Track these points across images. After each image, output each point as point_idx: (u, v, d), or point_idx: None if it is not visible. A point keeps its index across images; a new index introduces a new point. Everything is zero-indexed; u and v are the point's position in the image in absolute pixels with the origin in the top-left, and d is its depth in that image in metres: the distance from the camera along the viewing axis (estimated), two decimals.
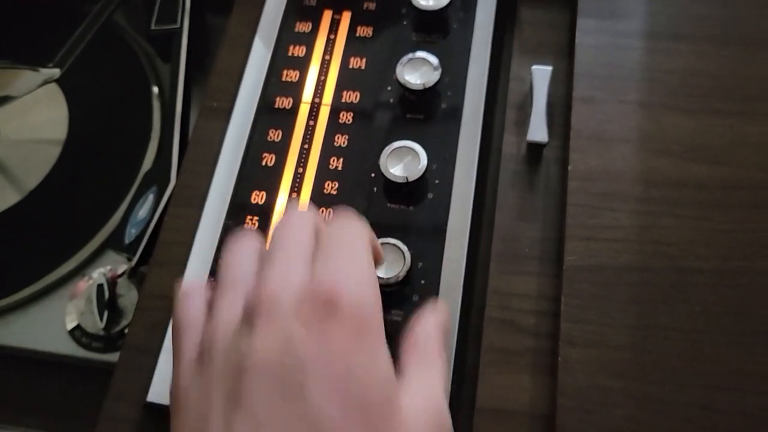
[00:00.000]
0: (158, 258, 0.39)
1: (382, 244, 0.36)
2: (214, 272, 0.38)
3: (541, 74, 0.38)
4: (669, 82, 0.36)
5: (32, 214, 0.51)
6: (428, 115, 0.41)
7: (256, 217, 0.39)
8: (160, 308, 0.37)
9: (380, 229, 0.37)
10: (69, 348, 0.46)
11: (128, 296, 0.47)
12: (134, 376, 0.36)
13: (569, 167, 0.34)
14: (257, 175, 0.41)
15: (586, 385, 0.30)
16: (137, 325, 0.37)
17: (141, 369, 0.36)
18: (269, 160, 0.41)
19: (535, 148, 0.37)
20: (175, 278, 0.38)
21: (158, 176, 0.47)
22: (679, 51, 0.37)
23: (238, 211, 0.39)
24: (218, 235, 0.39)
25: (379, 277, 0.35)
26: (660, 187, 0.34)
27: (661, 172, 0.34)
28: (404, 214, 0.39)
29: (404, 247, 0.36)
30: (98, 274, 0.47)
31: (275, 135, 0.42)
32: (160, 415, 0.35)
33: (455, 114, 0.41)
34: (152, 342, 0.36)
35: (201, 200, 0.40)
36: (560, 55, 0.40)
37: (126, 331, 0.46)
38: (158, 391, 0.35)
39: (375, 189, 0.40)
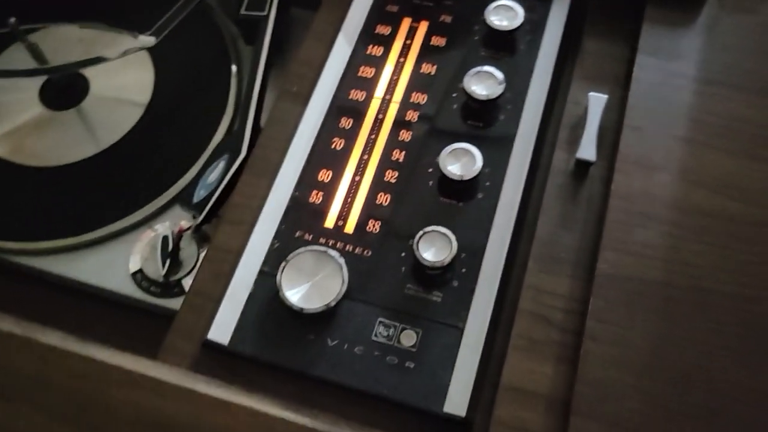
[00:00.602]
0: (228, 217, 0.44)
1: (432, 231, 0.40)
2: (278, 235, 0.42)
3: (597, 101, 0.41)
4: (714, 124, 0.40)
5: (110, 166, 0.56)
6: (487, 124, 0.45)
7: (321, 192, 0.44)
8: (225, 260, 0.42)
9: (430, 219, 0.42)
10: (129, 289, 0.50)
11: (188, 251, 0.51)
12: (196, 316, 0.40)
13: (612, 186, 0.38)
14: (326, 156, 0.45)
15: (603, 377, 0.33)
16: (204, 273, 0.42)
17: (203, 311, 0.40)
18: (338, 144, 0.45)
19: (583, 166, 0.41)
20: (241, 237, 0.42)
21: (230, 147, 0.51)
22: (728, 97, 0.41)
23: (306, 185, 0.44)
24: (285, 204, 0.43)
25: (426, 260, 0.39)
26: (693, 215, 0.37)
27: (695, 203, 0.38)
28: (454, 208, 0.43)
29: (452, 236, 0.40)
30: (165, 226, 0.52)
31: (346, 123, 0.46)
32: (215, 352, 0.39)
33: (512, 126, 0.45)
34: (216, 289, 0.41)
35: (273, 172, 0.45)
36: (616, 86, 0.44)
37: (182, 281, 0.51)
38: (217, 331, 0.39)
39: (430, 183, 0.44)
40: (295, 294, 0.39)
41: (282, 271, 0.39)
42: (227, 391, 0.34)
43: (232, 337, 0.39)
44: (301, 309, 0.38)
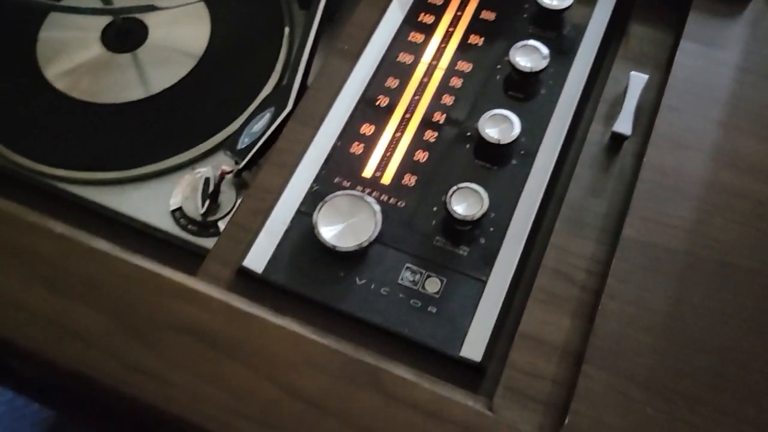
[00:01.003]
0: (271, 160, 0.46)
1: (465, 187, 0.42)
2: (317, 179, 0.44)
3: (638, 80, 0.43)
4: (750, 111, 0.41)
5: (158, 109, 0.58)
6: (528, 96, 0.47)
7: (361, 145, 0.46)
8: (265, 198, 0.44)
9: (464, 179, 0.44)
10: (168, 225, 0.53)
11: (227, 195, 0.54)
12: (234, 246, 0.43)
13: (644, 159, 0.40)
14: (370, 111, 0.47)
15: (618, 332, 0.35)
16: (244, 207, 0.44)
17: (241, 242, 0.43)
18: (383, 101, 0.48)
19: (617, 140, 0.42)
20: (282, 178, 0.45)
21: (277, 100, 0.54)
22: (765, 87, 0.42)
23: (348, 136, 0.46)
24: (327, 152, 0.46)
25: (458, 213, 0.41)
26: (721, 193, 0.39)
27: (724, 182, 0.39)
28: (488, 171, 0.45)
29: (485, 194, 0.42)
30: (207, 170, 0.55)
31: (392, 83, 0.48)
32: (249, 280, 0.41)
33: (552, 100, 0.47)
34: (254, 223, 0.43)
35: (318, 122, 0.47)
36: (656, 70, 0.45)
37: (218, 222, 0.53)
38: (253, 260, 0.41)
39: (468, 146, 0.46)
40: (329, 232, 0.41)
41: (319, 210, 0.41)
42: (260, 309, 0.37)
43: (266, 267, 0.41)
44: (334, 246, 0.40)
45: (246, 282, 0.41)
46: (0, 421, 0.95)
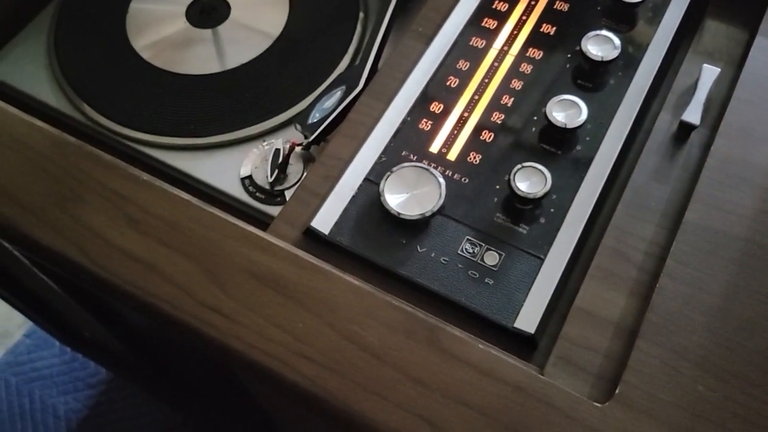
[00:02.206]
0: (343, 131, 0.49)
1: (530, 166, 0.44)
2: (386, 151, 0.47)
3: (709, 72, 0.44)
4: None
5: (234, 83, 0.62)
6: (597, 85, 0.49)
7: (430, 122, 0.48)
8: (335, 166, 0.47)
9: (529, 160, 0.45)
10: (236, 191, 0.56)
11: (295, 167, 0.57)
12: (302, 209, 0.45)
13: (712, 147, 0.41)
14: (440, 91, 0.49)
15: (674, 310, 0.36)
16: (314, 173, 0.47)
17: (308, 205, 0.45)
18: (453, 82, 0.50)
19: (685, 129, 0.43)
20: (352, 148, 0.47)
21: (349, 79, 0.56)
22: None
23: (417, 113, 0.48)
24: (397, 126, 0.48)
25: (521, 190, 0.43)
26: None
27: None
28: (552, 155, 0.46)
29: (548, 173, 0.43)
30: (278, 141, 0.58)
31: (463, 65, 0.50)
32: (315, 241, 0.44)
33: (620, 91, 0.48)
34: (323, 188, 0.46)
35: (389, 97, 0.49)
36: (729, 64, 0.46)
37: (285, 192, 0.56)
38: (320, 222, 0.44)
39: (533, 129, 0.47)
40: (394, 200, 0.43)
41: (386, 179, 0.44)
42: (326, 264, 0.39)
43: (332, 229, 0.44)
44: (399, 213, 0.43)
45: (311, 243, 0.44)
46: (56, 380, 1.01)
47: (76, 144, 0.43)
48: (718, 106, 0.44)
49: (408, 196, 0.44)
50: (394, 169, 0.45)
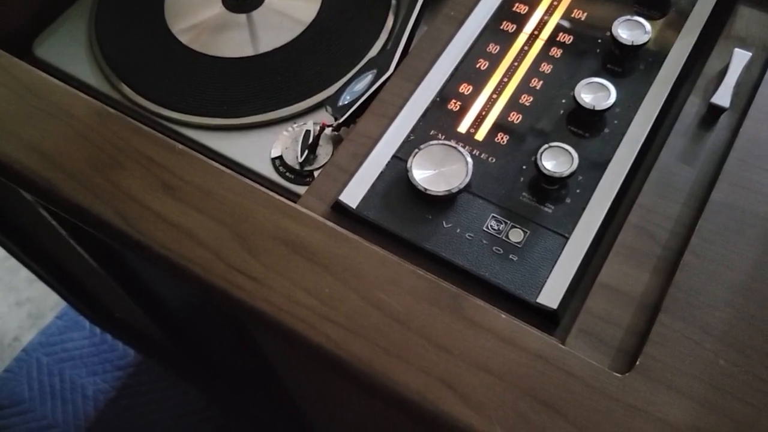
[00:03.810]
0: (373, 110, 0.51)
1: (557, 146, 0.45)
2: (414, 130, 0.48)
3: (741, 56, 0.45)
4: None
5: (266, 66, 0.64)
6: (626, 69, 0.49)
7: (459, 102, 0.49)
8: (364, 144, 0.48)
9: (556, 142, 0.46)
10: (267, 171, 0.58)
11: (325, 148, 0.58)
12: (331, 183, 0.47)
13: (741, 129, 0.41)
14: (470, 73, 0.51)
15: (698, 286, 0.37)
16: (344, 150, 0.49)
17: (337, 181, 0.47)
18: (483, 65, 0.51)
19: (714, 112, 0.44)
20: (382, 126, 0.49)
21: (380, 63, 0.58)
22: None
23: (447, 93, 0.50)
24: (426, 106, 0.49)
25: (547, 169, 0.44)
26: None
27: None
28: (579, 138, 0.47)
29: (575, 153, 0.44)
30: (309, 123, 0.60)
31: (493, 48, 0.52)
32: (342, 215, 0.45)
33: (650, 74, 0.49)
34: (351, 165, 0.47)
35: (419, 78, 0.51)
36: (760, 50, 0.46)
37: (314, 172, 0.58)
38: (348, 196, 0.45)
39: (561, 112, 0.48)
40: (422, 175, 0.45)
41: (414, 156, 0.45)
42: (354, 234, 0.41)
43: (360, 203, 0.45)
44: (425, 189, 0.44)
45: (339, 216, 0.45)
46: (86, 361, 1.04)
47: (116, 115, 0.45)
48: (748, 91, 0.45)
49: (435, 172, 0.45)
50: (422, 146, 0.46)
